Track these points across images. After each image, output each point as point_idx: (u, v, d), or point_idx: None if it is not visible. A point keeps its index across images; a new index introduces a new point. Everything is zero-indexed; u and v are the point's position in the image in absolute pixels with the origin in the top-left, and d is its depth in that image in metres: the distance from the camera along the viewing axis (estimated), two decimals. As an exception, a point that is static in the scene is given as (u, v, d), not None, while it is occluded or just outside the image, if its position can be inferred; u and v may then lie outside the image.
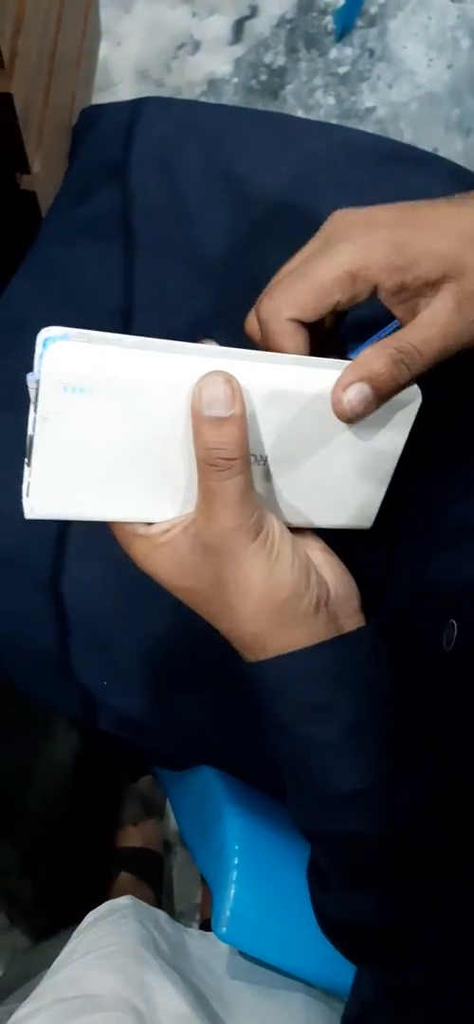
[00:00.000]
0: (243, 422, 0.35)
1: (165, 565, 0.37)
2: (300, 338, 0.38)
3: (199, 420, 0.34)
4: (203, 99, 1.25)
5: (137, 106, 0.60)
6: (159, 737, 0.55)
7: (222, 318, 0.56)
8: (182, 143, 0.58)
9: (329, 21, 1.32)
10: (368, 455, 0.39)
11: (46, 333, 0.33)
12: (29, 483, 0.35)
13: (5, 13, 0.71)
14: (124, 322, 0.58)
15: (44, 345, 0.32)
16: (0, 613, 0.53)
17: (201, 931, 0.64)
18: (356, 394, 0.35)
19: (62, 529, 0.51)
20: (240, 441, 0.35)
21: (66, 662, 0.52)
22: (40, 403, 0.33)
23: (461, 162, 0.59)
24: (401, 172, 0.55)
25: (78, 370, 0.33)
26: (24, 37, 0.75)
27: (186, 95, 1.26)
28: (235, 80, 1.27)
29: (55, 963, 0.58)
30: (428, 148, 1.25)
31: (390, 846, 0.38)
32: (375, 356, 0.36)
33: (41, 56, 0.85)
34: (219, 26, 1.28)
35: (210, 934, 0.64)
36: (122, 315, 0.58)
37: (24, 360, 0.57)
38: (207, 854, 0.54)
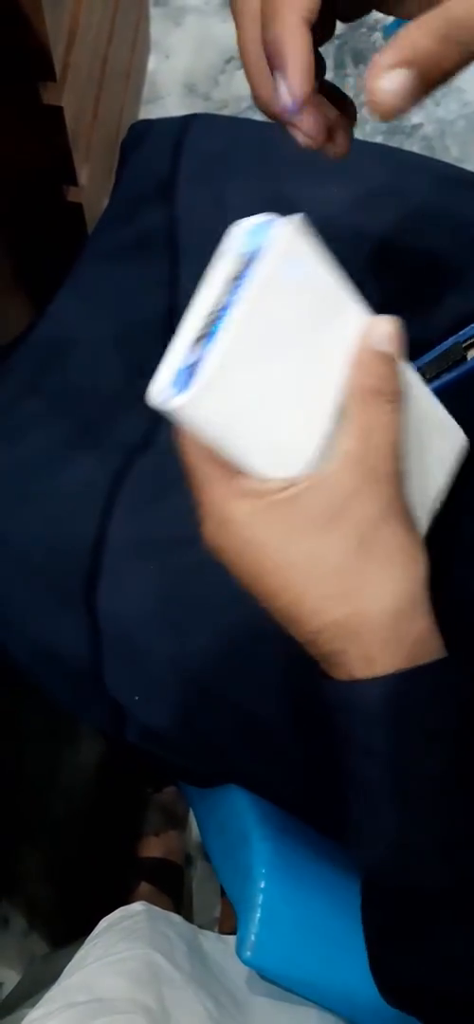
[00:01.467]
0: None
1: (274, 532, 0.32)
2: (308, 40, 0.32)
3: (371, 352, 0.32)
4: (249, 113, 1.25)
5: (185, 122, 0.60)
6: (187, 753, 0.55)
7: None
8: (230, 160, 0.58)
9: (378, 37, 1.32)
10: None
11: (261, 217, 0.32)
12: (198, 373, 0.30)
13: (59, 29, 0.72)
14: (168, 340, 0.58)
15: (267, 224, 0.31)
16: (33, 625, 0.53)
17: (217, 934, 0.64)
18: (397, 79, 0.30)
19: (97, 542, 0.51)
20: (399, 388, 0.33)
21: (98, 676, 0.52)
22: (252, 279, 0.30)
23: None
24: (459, 196, 0.54)
25: (303, 250, 0.31)
26: (76, 51, 0.76)
27: (233, 108, 1.27)
28: (282, 96, 1.27)
29: (67, 968, 0.58)
30: (475, 167, 1.25)
31: None
32: (419, 33, 0.30)
33: (92, 70, 0.86)
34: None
35: (226, 937, 0.63)
36: (165, 332, 0.58)
37: (68, 376, 0.58)
38: (233, 875, 0.53)
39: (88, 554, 0.51)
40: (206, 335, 0.31)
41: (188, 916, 1.03)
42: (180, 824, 1.04)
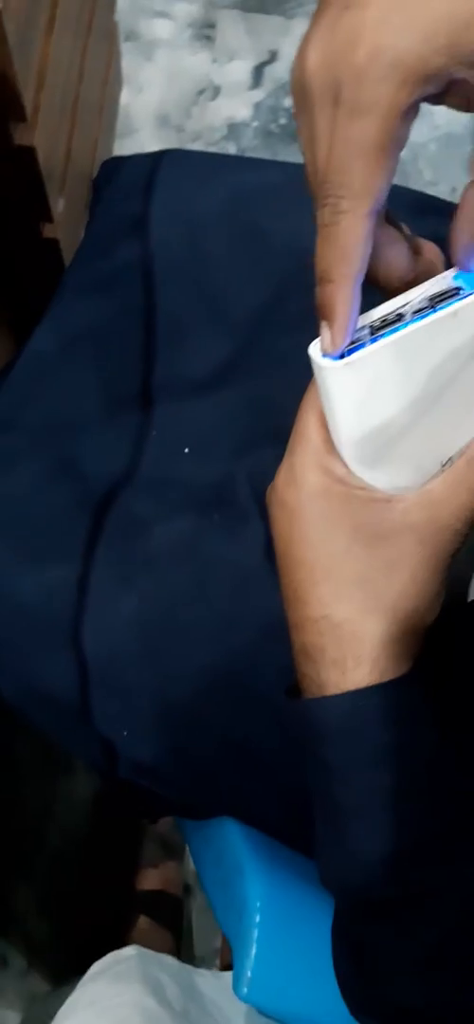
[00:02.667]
0: None
1: (330, 515, 0.34)
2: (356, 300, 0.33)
3: None
4: (222, 143, 1.27)
5: (157, 159, 0.61)
6: (179, 786, 0.55)
7: (246, 368, 0.57)
8: (203, 196, 0.58)
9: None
10: None
11: None
12: (354, 351, 0.32)
13: (28, 70, 0.72)
14: (146, 370, 0.58)
15: None
16: (22, 664, 0.53)
17: (214, 972, 0.63)
18: None
19: (82, 578, 0.51)
20: None
21: (87, 712, 0.52)
22: (447, 307, 0.32)
23: None
24: (428, 222, 0.55)
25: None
26: (47, 91, 0.77)
27: (206, 139, 1.28)
28: (255, 124, 1.29)
29: (59, 1014, 0.58)
30: (448, 188, 1.27)
31: (463, 917, 0.34)
32: None
33: (64, 107, 0.86)
34: (239, 71, 1.30)
35: (223, 974, 0.63)
36: (144, 362, 0.58)
37: (49, 410, 0.58)
38: (228, 910, 0.53)
39: (73, 592, 0.51)
40: (385, 327, 0.33)
41: (188, 948, 1.02)
42: (178, 854, 1.03)
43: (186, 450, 0.56)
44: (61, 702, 0.52)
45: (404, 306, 0.34)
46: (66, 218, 0.89)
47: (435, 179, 1.26)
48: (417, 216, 0.56)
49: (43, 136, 0.77)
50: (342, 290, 0.31)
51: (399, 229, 0.35)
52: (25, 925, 1.00)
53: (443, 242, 0.33)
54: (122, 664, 0.50)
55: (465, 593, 0.41)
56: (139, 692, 0.50)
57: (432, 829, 0.35)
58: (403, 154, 0.33)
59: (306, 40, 0.30)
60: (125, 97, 1.28)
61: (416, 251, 0.35)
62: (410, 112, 0.29)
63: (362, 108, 0.28)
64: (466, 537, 0.35)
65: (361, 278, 0.32)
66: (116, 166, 0.64)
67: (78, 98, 0.92)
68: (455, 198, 0.35)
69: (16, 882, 1.01)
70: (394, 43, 0.28)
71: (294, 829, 0.50)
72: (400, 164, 0.32)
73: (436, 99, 0.30)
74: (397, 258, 0.34)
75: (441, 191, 1.27)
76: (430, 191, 0.89)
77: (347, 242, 0.30)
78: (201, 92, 1.31)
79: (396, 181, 0.33)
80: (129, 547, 0.52)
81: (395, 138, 0.29)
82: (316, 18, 0.30)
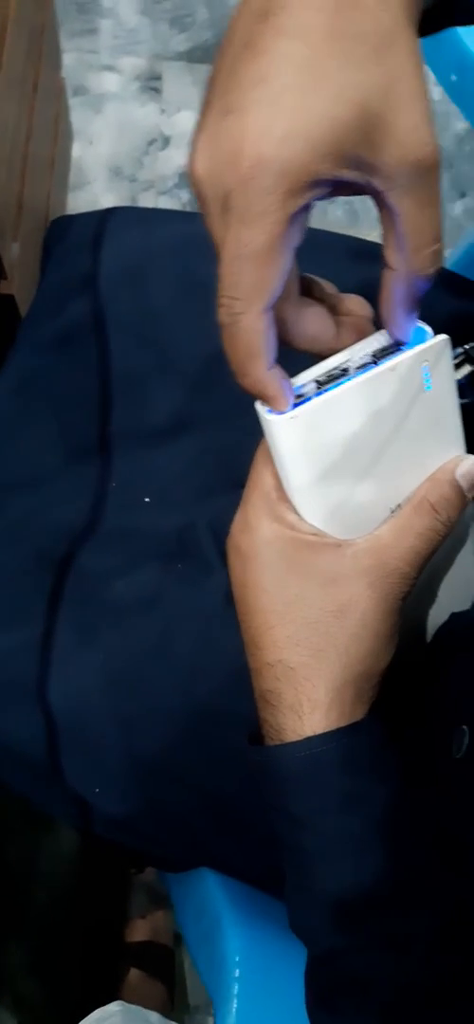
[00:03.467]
0: None
1: (283, 561, 0.35)
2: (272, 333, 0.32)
3: (447, 476, 0.36)
4: (175, 191, 1.29)
5: (104, 216, 0.62)
6: (154, 840, 0.54)
7: (202, 415, 0.57)
8: (149, 251, 0.59)
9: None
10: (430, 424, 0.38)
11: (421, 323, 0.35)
12: (299, 405, 0.33)
13: (-25, 134, 0.73)
14: (103, 422, 0.59)
15: (422, 331, 0.34)
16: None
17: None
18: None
19: (45, 638, 0.51)
20: (453, 519, 0.36)
21: (57, 769, 0.51)
22: (387, 362, 0.33)
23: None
24: (367, 270, 0.57)
25: (439, 367, 0.34)
26: (-5, 152, 0.78)
27: (158, 188, 1.30)
28: (205, 169, 1.31)
29: None
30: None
31: (423, 965, 0.34)
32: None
33: (12, 166, 0.87)
34: (187, 120, 1.33)
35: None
36: (100, 415, 0.59)
37: (8, 469, 0.58)
38: (208, 964, 0.52)
39: (37, 652, 0.51)
40: (330, 381, 0.34)
41: (182, 998, 1.01)
42: (165, 903, 1.02)
43: (147, 499, 0.56)
44: (31, 760, 0.52)
45: (348, 360, 0.35)
46: (21, 273, 0.89)
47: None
48: (353, 262, 0.57)
49: (-7, 197, 0.78)
50: (261, 377, 0.32)
51: (320, 295, 0.36)
52: (16, 986, 0.98)
53: (378, 286, 0.34)
54: (89, 720, 0.50)
55: (424, 635, 0.42)
56: (108, 748, 0.50)
57: (394, 876, 0.35)
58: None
59: (193, 144, 0.30)
60: (77, 150, 1.30)
61: (340, 310, 0.36)
62: (300, 214, 0.29)
63: (250, 218, 0.28)
64: (415, 580, 0.35)
65: (275, 354, 0.32)
66: (65, 224, 0.65)
67: (27, 156, 0.93)
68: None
69: (4, 942, 0.98)
70: (278, 154, 0.27)
71: (273, 879, 0.50)
72: (349, 204, 0.33)
73: (327, 196, 0.30)
74: (318, 329, 0.35)
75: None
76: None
77: (249, 340, 0.31)
78: (151, 142, 1.33)
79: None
80: (92, 602, 0.52)
81: (285, 241, 0.29)
82: (200, 120, 0.30)
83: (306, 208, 0.29)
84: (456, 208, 1.33)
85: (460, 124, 1.35)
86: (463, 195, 1.34)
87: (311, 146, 0.27)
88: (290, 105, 0.27)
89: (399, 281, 0.32)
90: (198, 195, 0.30)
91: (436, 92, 1.36)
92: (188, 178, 0.30)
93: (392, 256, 0.31)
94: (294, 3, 0.28)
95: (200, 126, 0.30)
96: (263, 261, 0.29)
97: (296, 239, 0.30)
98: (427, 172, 0.29)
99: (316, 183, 0.28)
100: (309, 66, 0.27)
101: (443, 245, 0.31)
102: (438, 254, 0.31)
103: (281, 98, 0.27)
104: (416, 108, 0.28)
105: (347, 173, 0.28)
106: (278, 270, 0.30)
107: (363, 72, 0.27)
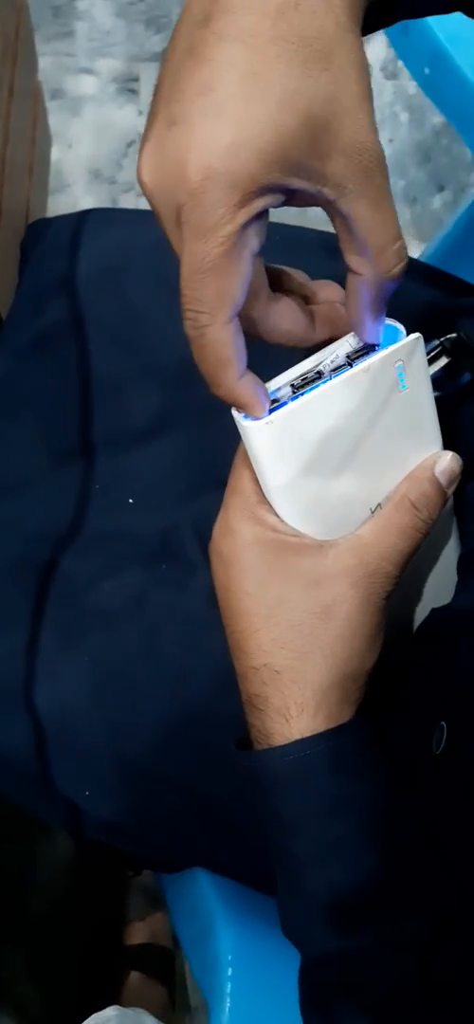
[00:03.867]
0: None
1: (263, 563, 0.35)
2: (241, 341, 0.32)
3: (427, 473, 0.36)
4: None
5: (81, 218, 0.62)
6: (146, 843, 0.54)
7: (183, 415, 0.57)
8: (127, 251, 0.59)
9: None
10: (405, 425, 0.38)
11: (393, 321, 0.35)
12: (274, 410, 0.34)
13: None
14: (85, 425, 0.59)
15: (395, 330, 0.35)
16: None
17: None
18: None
19: (30, 644, 0.51)
20: (434, 517, 0.36)
21: (46, 774, 0.51)
22: (361, 363, 0.33)
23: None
24: (341, 264, 0.57)
25: (413, 365, 0.34)
26: (-29, 158, 0.77)
27: (138, 190, 1.28)
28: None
29: None
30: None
31: (415, 967, 0.34)
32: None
33: (-10, 172, 0.87)
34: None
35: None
36: (81, 417, 0.58)
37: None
38: (202, 964, 0.52)
39: (22, 657, 0.50)
40: (305, 385, 0.34)
41: (183, 999, 1.01)
42: (164, 904, 1.02)
43: (130, 500, 0.56)
44: (20, 766, 0.51)
45: (323, 363, 0.35)
46: (2, 278, 0.89)
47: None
48: (329, 257, 0.57)
49: (-30, 203, 0.77)
50: (233, 386, 0.32)
51: (290, 286, 0.35)
52: (16, 992, 0.98)
53: None
54: (77, 723, 0.50)
55: (409, 634, 0.42)
56: (96, 751, 0.50)
57: (385, 878, 0.35)
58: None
59: (140, 152, 0.29)
60: (56, 153, 1.29)
61: (313, 299, 0.36)
62: (253, 222, 0.29)
63: (203, 232, 0.28)
64: (398, 579, 0.36)
65: (245, 360, 0.32)
66: (42, 228, 0.65)
67: (5, 160, 0.93)
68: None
69: (3, 949, 0.98)
70: (225, 165, 0.27)
71: (265, 878, 0.50)
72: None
73: (280, 204, 0.30)
74: (291, 322, 0.35)
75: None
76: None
77: (218, 351, 0.30)
78: (130, 144, 1.33)
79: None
80: (77, 605, 0.52)
81: (242, 250, 0.29)
82: (147, 129, 0.29)
83: (261, 215, 0.29)
84: (435, 202, 1.34)
85: (437, 118, 1.35)
86: (441, 189, 1.34)
87: (258, 155, 0.27)
88: (235, 115, 0.27)
89: (365, 285, 0.31)
90: (150, 205, 0.30)
91: (411, 87, 1.37)
92: (140, 187, 0.30)
93: (355, 261, 0.31)
94: (236, 7, 0.27)
95: (146, 136, 0.29)
96: (222, 273, 0.29)
97: (254, 245, 0.29)
98: (373, 173, 0.29)
99: (265, 191, 0.28)
100: (253, 72, 0.27)
101: (404, 242, 0.31)
102: (402, 251, 0.31)
103: (226, 107, 0.27)
104: (360, 112, 0.28)
105: (296, 182, 0.28)
106: (238, 279, 0.29)
107: (308, 78, 0.27)
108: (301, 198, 0.30)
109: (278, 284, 0.35)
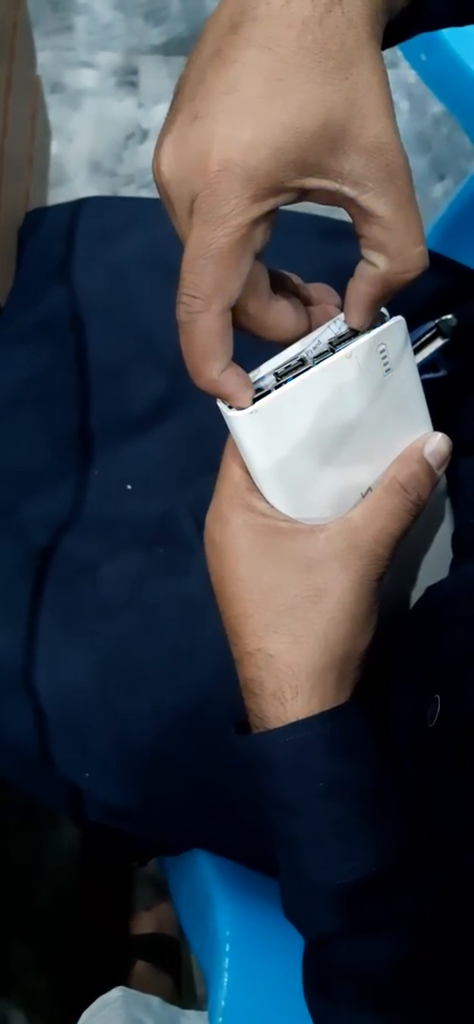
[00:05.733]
0: None
1: (256, 549, 0.35)
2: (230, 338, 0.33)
3: (416, 454, 0.36)
4: (153, 185, 1.29)
5: (78, 206, 0.62)
6: (147, 825, 0.54)
7: (181, 401, 0.57)
8: (123, 238, 0.59)
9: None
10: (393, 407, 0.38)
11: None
12: (259, 399, 0.34)
13: None
14: (83, 413, 0.59)
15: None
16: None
17: (200, 1012, 0.62)
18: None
19: (30, 628, 0.51)
20: (424, 499, 0.36)
21: (47, 756, 0.52)
22: (344, 348, 0.33)
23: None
24: (340, 249, 0.57)
25: (397, 347, 0.34)
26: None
27: (138, 182, 1.30)
28: (184, 161, 1.31)
29: None
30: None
31: (416, 945, 0.34)
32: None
33: (-11, 165, 0.87)
34: (164, 114, 1.32)
35: (205, 1013, 0.62)
36: (79, 403, 0.59)
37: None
38: (201, 942, 0.52)
39: (22, 642, 0.51)
40: (288, 373, 0.35)
41: (190, 988, 1.01)
42: (170, 893, 1.02)
43: (128, 487, 0.57)
44: (21, 749, 0.52)
45: (305, 350, 0.35)
46: (2, 270, 0.89)
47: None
48: (324, 242, 0.57)
49: (-31, 195, 0.77)
50: (214, 378, 0.32)
51: (285, 287, 0.36)
52: (24, 982, 0.98)
53: (350, 265, 0.34)
54: (77, 706, 0.50)
55: (405, 614, 0.42)
56: (96, 733, 0.50)
57: (385, 858, 0.35)
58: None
59: (160, 144, 0.30)
60: (56, 147, 1.29)
61: (307, 301, 0.36)
62: (262, 220, 0.30)
63: (215, 219, 0.29)
64: (389, 561, 0.36)
65: (230, 354, 0.33)
66: (39, 217, 0.65)
67: (4, 153, 0.93)
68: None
69: (11, 940, 0.99)
70: (244, 160, 0.28)
71: (263, 857, 0.50)
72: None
73: (292, 202, 0.31)
74: (290, 322, 0.35)
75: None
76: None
77: (205, 341, 0.31)
78: (130, 137, 1.33)
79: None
80: (76, 590, 0.52)
81: (246, 245, 0.30)
82: (167, 123, 0.30)
83: (270, 214, 0.30)
84: (435, 190, 1.33)
85: (437, 107, 1.35)
86: (442, 177, 1.34)
87: (276, 154, 0.28)
88: (257, 114, 0.28)
89: (376, 280, 0.32)
90: (164, 196, 0.31)
91: (411, 76, 1.37)
92: (154, 178, 0.31)
93: (371, 255, 0.32)
94: (264, 18, 0.29)
95: (167, 129, 0.30)
96: (224, 262, 0.30)
97: (258, 244, 0.31)
98: (395, 174, 0.30)
99: (280, 190, 0.29)
100: (277, 77, 0.28)
101: (425, 249, 0.31)
102: (422, 257, 0.31)
103: (249, 107, 0.28)
104: (380, 119, 0.29)
105: (312, 181, 0.29)
106: (238, 272, 0.30)
107: (329, 86, 0.28)
108: (319, 196, 0.31)
109: (280, 286, 0.36)
